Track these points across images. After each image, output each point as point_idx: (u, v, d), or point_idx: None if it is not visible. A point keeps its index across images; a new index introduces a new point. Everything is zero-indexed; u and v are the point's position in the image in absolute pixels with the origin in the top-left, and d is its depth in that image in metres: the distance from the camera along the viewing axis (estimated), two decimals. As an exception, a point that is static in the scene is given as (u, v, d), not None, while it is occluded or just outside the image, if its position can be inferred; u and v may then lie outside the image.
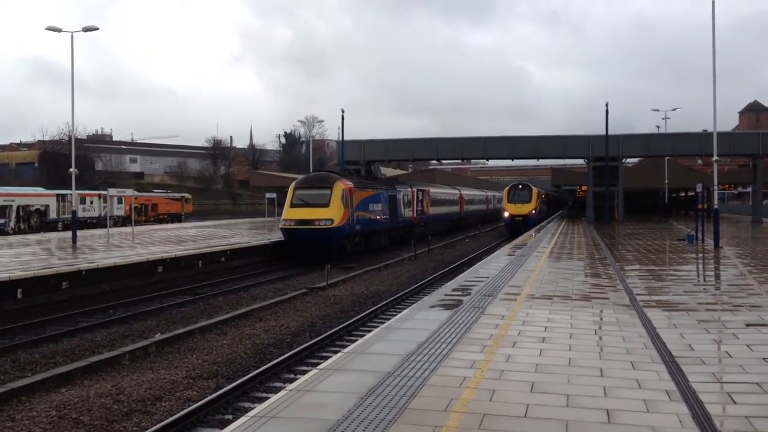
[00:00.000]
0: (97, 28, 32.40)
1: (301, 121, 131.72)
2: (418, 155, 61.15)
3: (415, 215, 46.86)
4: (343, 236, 33.49)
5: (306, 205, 32.69)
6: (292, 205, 33.03)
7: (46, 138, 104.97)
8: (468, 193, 69.08)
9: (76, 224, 34.73)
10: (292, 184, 34.93)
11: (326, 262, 28.15)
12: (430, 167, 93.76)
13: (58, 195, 57.30)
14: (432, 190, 54.37)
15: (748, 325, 11.53)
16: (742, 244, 30.76)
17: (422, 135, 69.26)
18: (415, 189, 47.63)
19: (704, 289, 16.68)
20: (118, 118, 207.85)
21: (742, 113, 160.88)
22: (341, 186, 33.47)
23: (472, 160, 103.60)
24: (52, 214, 56.30)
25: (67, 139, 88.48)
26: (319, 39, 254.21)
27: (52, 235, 40.22)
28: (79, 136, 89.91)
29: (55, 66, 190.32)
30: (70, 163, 34.56)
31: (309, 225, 31.76)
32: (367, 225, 36.83)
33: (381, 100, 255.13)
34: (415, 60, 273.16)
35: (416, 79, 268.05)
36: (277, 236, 36.36)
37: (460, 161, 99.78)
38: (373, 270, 29.48)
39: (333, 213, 32.27)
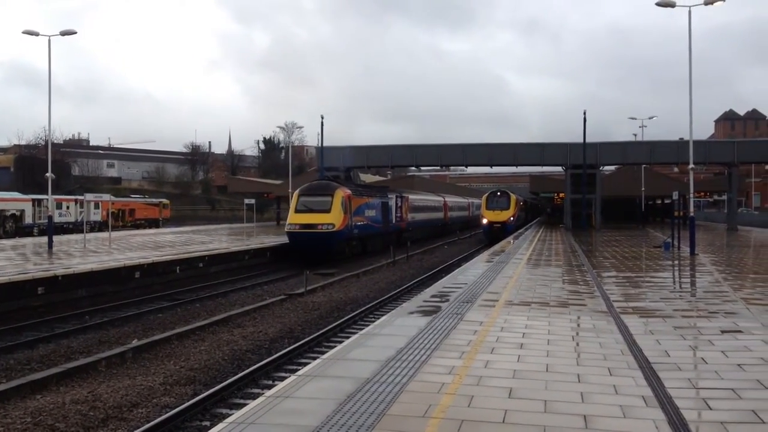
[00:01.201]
0: (75, 32, 32.18)
1: (280, 127, 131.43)
2: (397, 162, 61.33)
3: (405, 221, 50.33)
4: (343, 239, 36.40)
5: (309, 210, 35.57)
6: (297, 211, 35.85)
7: (23, 142, 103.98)
8: (452, 200, 71.82)
9: (52, 229, 34.40)
10: (296, 192, 37.89)
11: (327, 264, 32.45)
12: (409, 174, 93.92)
13: (34, 200, 56.76)
14: (420, 197, 57.99)
15: (723, 332, 11.63)
16: (717, 251, 31.06)
17: (401, 142, 69.56)
18: (405, 196, 51.09)
19: (680, 295, 16.81)
20: (96, 122, 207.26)
21: (717, 122, 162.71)
22: (341, 194, 36.28)
23: (451, 167, 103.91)
24: (28, 219, 55.76)
25: (43, 143, 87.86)
26: (299, 45, 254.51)
27: (28, 240, 39.86)
28: (55, 141, 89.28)
29: (32, 69, 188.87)
30: (46, 167, 34.23)
31: (312, 229, 34.77)
32: (364, 229, 39.92)
33: (361, 107, 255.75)
34: (394, 67, 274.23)
35: (396, 86, 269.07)
36: (257, 242, 36.35)
37: (439, 168, 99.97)
38: (351, 276, 29.45)
39: (334, 218, 35.16)
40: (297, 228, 35.17)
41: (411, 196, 54.00)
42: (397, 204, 48.25)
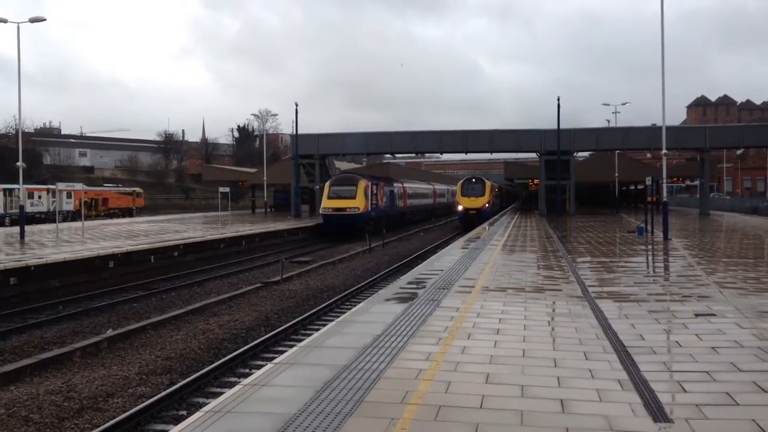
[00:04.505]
0: (45, 19, 31.69)
1: (254, 115, 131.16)
2: (372, 149, 61.25)
3: (406, 205, 59.39)
4: (365, 220, 44.93)
5: (339, 197, 44.78)
6: (329, 198, 45.11)
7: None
8: (439, 187, 78.97)
9: (24, 219, 34.02)
10: (327, 182, 47.73)
11: (353, 239, 40.73)
12: (385, 161, 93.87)
13: (5, 189, 56.08)
14: (416, 185, 67.03)
15: (697, 315, 11.75)
16: (690, 235, 31.35)
17: (376, 128, 69.72)
18: (405, 185, 60.09)
19: (654, 280, 16.96)
20: (67, 110, 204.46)
21: (689, 107, 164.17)
22: (363, 184, 45.58)
23: (426, 154, 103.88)
24: (-1, 209, 55.11)
25: (14, 132, 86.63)
26: (269, 31, 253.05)
27: (-1, 231, 39.38)
28: (26, 130, 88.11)
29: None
30: (17, 157, 33.77)
31: (342, 211, 44.04)
32: (379, 212, 48.53)
33: (334, 93, 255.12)
34: (367, 53, 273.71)
35: (369, 72, 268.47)
36: (232, 231, 36.22)
37: (414, 155, 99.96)
38: (328, 264, 29.43)
39: (359, 203, 44.51)
40: (330, 211, 44.41)
41: (410, 185, 63.02)
42: (400, 191, 57.16)
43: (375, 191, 47.74)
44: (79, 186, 41.97)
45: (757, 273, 17.34)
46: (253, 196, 74.78)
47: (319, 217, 47.86)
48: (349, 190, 45.00)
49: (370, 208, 45.90)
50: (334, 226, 44.23)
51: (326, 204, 45.03)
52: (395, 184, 56.29)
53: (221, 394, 8.57)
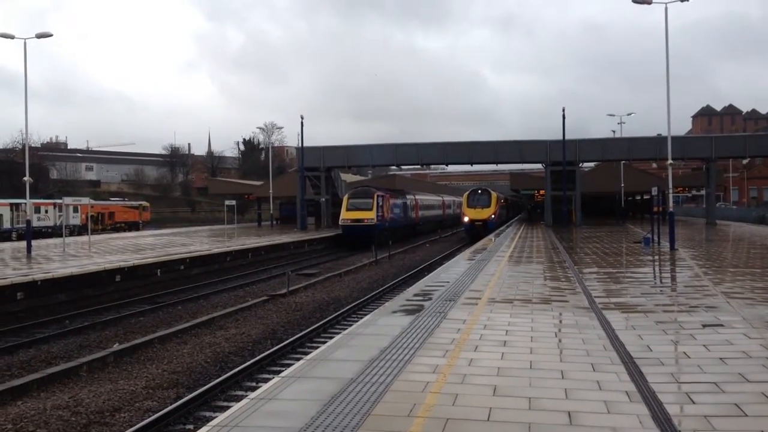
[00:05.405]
0: (51, 35, 31.91)
1: (260, 128, 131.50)
2: (377, 161, 61.45)
3: (417, 216, 62.57)
4: (381, 230, 47.65)
5: (356, 209, 48.44)
6: (347, 209, 48.71)
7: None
8: (447, 199, 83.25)
9: (30, 234, 34.09)
10: (346, 195, 51.51)
11: (369, 247, 40.35)
12: (390, 173, 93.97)
13: (11, 204, 56.25)
14: (426, 197, 70.70)
15: (704, 326, 11.70)
16: (697, 245, 31.26)
17: (382, 140, 69.65)
18: (416, 197, 63.79)
19: (661, 290, 16.89)
20: (73, 125, 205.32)
21: (695, 117, 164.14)
22: (379, 196, 49.10)
23: (432, 165, 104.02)
24: (6, 224, 55.27)
25: (20, 147, 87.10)
26: (273, 43, 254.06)
27: (6, 245, 39.45)
28: (33, 144, 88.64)
29: (4, 71, 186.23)
30: (23, 171, 33.92)
31: (359, 222, 47.60)
32: (393, 223, 52.29)
33: (339, 106, 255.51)
34: (371, 65, 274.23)
35: (373, 83, 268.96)
36: (238, 244, 36.26)
37: (419, 166, 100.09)
38: (334, 276, 29.42)
39: (375, 214, 47.84)
40: (348, 222, 48.03)
41: (421, 197, 66.61)
42: (412, 203, 60.67)
43: (390, 203, 51.47)
44: (85, 200, 42.14)
45: (764, 283, 17.27)
46: (259, 208, 74.91)
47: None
48: (366, 203, 48.53)
49: (385, 219, 49.58)
50: (352, 236, 47.32)
51: (345, 216, 48.47)
52: (408, 196, 59.74)
53: (228, 408, 8.56)
